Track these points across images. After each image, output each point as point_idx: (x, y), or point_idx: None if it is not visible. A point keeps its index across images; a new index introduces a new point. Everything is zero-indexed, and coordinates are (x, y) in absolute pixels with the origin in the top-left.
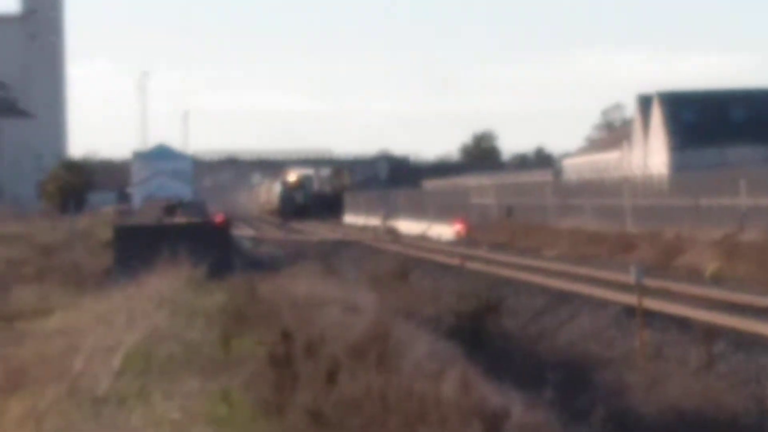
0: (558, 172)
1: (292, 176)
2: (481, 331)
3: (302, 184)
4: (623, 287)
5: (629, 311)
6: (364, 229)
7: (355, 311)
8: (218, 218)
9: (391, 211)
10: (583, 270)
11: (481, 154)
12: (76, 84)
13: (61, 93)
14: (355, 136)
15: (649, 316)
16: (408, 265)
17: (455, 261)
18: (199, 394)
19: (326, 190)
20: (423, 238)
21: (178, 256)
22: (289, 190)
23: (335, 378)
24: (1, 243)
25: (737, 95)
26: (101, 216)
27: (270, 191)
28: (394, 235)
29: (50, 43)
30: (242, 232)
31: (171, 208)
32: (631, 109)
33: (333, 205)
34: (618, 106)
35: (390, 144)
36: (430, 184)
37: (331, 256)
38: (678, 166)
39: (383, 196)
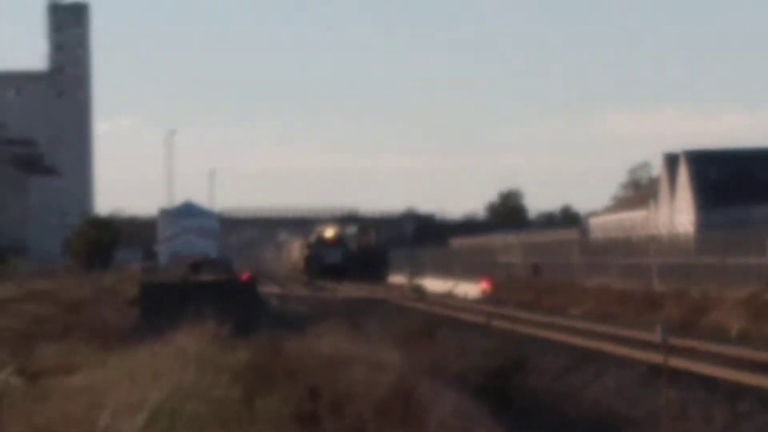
0: (584, 231)
1: (330, 232)
2: (507, 390)
3: (340, 240)
4: (649, 346)
5: (655, 370)
6: (390, 287)
7: (380, 369)
8: (244, 276)
9: (417, 269)
10: (609, 328)
11: (508, 213)
12: (103, 141)
13: (88, 150)
14: (381, 194)
15: (675, 374)
16: (434, 323)
17: (481, 319)
18: None
19: (354, 249)
20: (449, 296)
21: (204, 314)
22: (324, 247)
23: None
24: (28, 299)
25: (763, 154)
26: (127, 273)
27: (303, 248)
28: (420, 293)
29: (77, 101)
30: (268, 290)
31: (197, 266)
32: (657, 168)
33: (369, 264)
34: (645, 165)
35: (416, 202)
36: (456, 242)
37: (357, 314)
38: (704, 224)
39: (409, 254)
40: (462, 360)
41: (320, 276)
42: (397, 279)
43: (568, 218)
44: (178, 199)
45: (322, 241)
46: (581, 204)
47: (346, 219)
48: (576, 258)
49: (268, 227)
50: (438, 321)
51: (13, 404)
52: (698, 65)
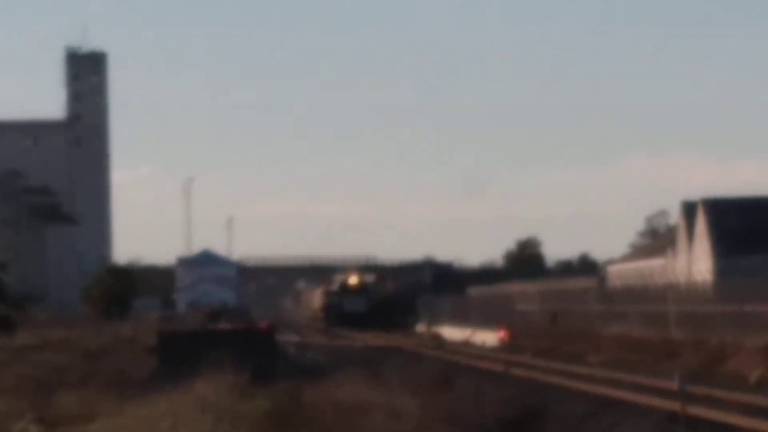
0: (602, 279)
1: (353, 279)
2: None
3: (364, 288)
4: (667, 394)
5: (673, 418)
6: (408, 335)
7: (398, 417)
8: (263, 324)
9: (435, 318)
10: (627, 376)
11: (526, 260)
12: (121, 190)
13: (106, 198)
14: (398, 242)
15: (693, 422)
16: (452, 371)
17: (499, 367)
18: None
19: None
20: (467, 345)
21: (223, 362)
22: (347, 295)
23: None
24: (46, 348)
25: None
26: (145, 321)
27: (324, 296)
28: (438, 341)
29: (95, 149)
30: (287, 338)
31: (215, 314)
32: (675, 216)
33: (395, 313)
34: (662, 213)
35: (434, 249)
36: (474, 291)
37: (375, 363)
38: (723, 272)
39: (426, 302)
40: (480, 408)
41: (343, 324)
42: (415, 327)
43: (586, 266)
44: (196, 247)
45: (345, 289)
46: (599, 251)
47: (364, 267)
48: (594, 306)
49: (286, 275)
50: (456, 369)
51: None
52: (717, 112)
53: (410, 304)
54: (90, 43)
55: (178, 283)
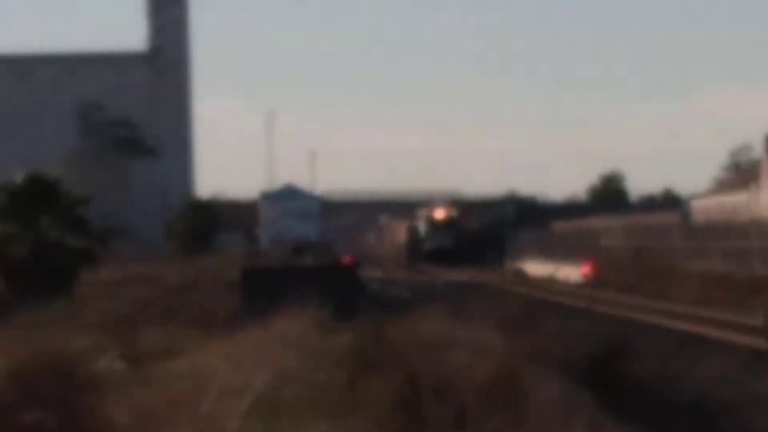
0: (686, 214)
1: (441, 212)
2: (609, 375)
3: (452, 222)
4: (752, 330)
5: (758, 355)
6: (490, 271)
7: (482, 354)
8: (346, 259)
9: (518, 253)
10: (711, 313)
11: (609, 195)
12: (203, 123)
13: (188, 132)
14: (482, 176)
15: None
16: (535, 307)
17: (583, 303)
18: None
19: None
20: (550, 281)
21: (306, 298)
22: (434, 229)
23: (463, 422)
24: (129, 283)
25: None
26: (229, 257)
27: (408, 230)
28: (521, 277)
29: (177, 82)
30: (369, 273)
31: (298, 249)
32: (759, 150)
33: (484, 248)
34: (746, 147)
35: (516, 184)
36: (557, 226)
37: (458, 299)
38: None
39: (510, 237)
40: (563, 345)
41: (428, 260)
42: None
43: (670, 201)
44: (279, 181)
45: (431, 224)
46: (683, 186)
47: (447, 202)
48: (677, 241)
49: (369, 210)
50: (539, 305)
51: (117, 389)
52: None
53: (497, 240)
54: None
55: (260, 218)
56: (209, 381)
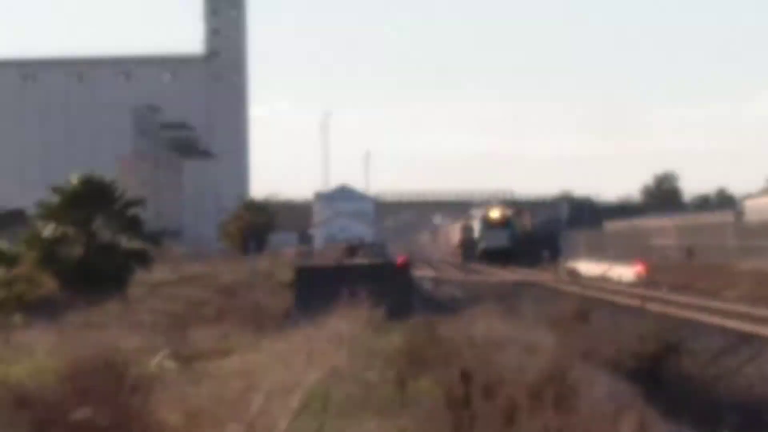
0: (739, 213)
1: (496, 212)
2: (660, 373)
3: (507, 222)
4: None
5: None
6: (544, 270)
7: (533, 352)
8: (400, 259)
9: (571, 253)
10: (764, 311)
11: (663, 195)
12: (258, 124)
13: (244, 133)
14: (536, 177)
15: None
16: (587, 305)
17: (635, 302)
18: None
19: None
20: (603, 279)
21: (359, 297)
22: (489, 229)
23: (513, 419)
24: (182, 283)
25: None
26: (282, 257)
27: (463, 230)
28: (574, 276)
29: (233, 84)
30: (422, 273)
31: (352, 249)
32: None
33: (539, 248)
34: None
35: (571, 184)
36: (610, 226)
37: (510, 298)
38: None
39: (564, 237)
40: (615, 343)
41: (482, 260)
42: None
43: (723, 200)
44: (334, 182)
45: (486, 223)
46: (736, 186)
47: (503, 202)
48: (731, 240)
49: (422, 210)
50: (592, 304)
51: (168, 387)
52: None
53: (552, 240)
54: None
55: (315, 218)
56: (260, 380)
